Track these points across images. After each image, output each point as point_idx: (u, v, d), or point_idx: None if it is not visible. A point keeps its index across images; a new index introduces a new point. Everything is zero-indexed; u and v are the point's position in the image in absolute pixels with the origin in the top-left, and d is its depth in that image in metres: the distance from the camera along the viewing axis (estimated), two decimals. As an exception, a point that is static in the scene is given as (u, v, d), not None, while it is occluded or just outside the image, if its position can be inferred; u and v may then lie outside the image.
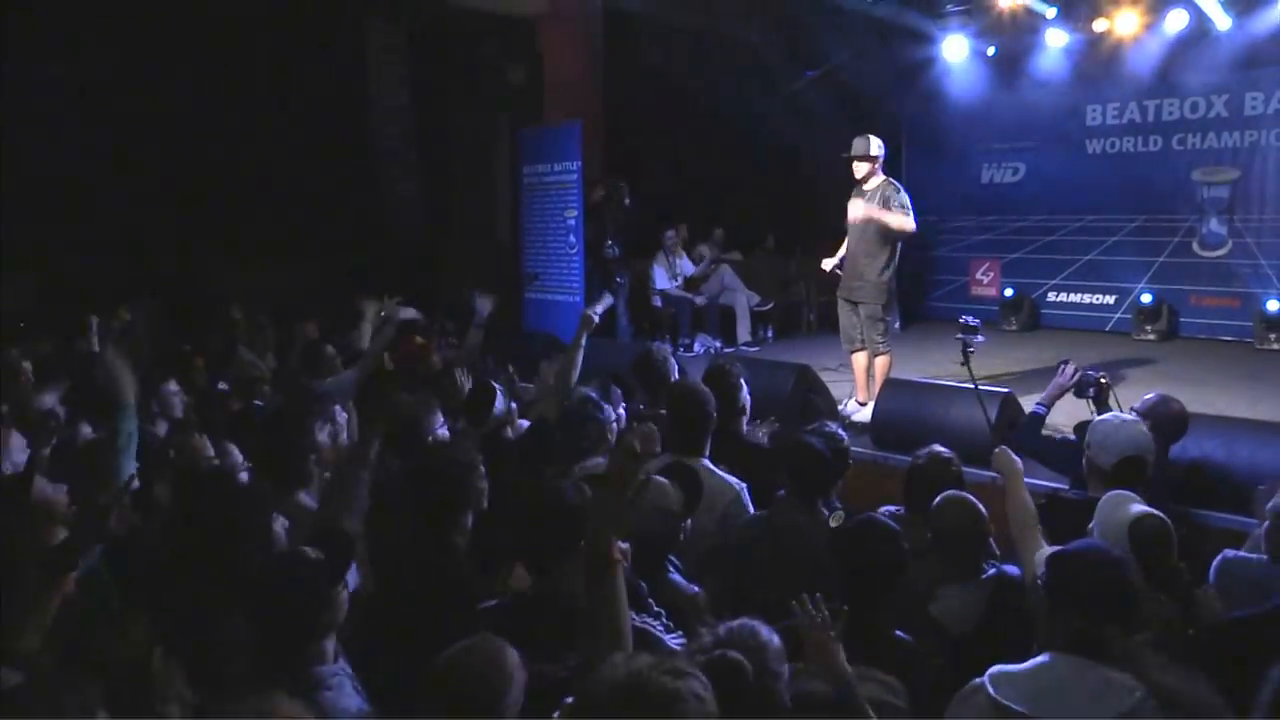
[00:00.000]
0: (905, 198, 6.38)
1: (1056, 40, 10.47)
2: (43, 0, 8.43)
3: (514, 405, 4.53)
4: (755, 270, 10.65)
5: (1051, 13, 9.72)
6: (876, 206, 6.37)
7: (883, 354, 6.45)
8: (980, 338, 5.18)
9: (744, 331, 9.68)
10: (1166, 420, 4.09)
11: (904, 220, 6.32)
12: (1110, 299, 10.88)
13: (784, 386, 6.15)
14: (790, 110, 11.72)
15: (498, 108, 9.59)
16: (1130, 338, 10.28)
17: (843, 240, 6.76)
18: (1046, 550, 2.66)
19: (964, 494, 3.12)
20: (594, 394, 3.76)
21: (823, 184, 12.43)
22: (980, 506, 3.06)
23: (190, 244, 10.80)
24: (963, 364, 5.05)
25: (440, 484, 2.95)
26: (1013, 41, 10.54)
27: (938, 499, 3.10)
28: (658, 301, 9.46)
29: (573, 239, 8.28)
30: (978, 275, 11.93)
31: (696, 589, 2.93)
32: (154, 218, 10.79)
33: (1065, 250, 11.15)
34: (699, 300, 9.67)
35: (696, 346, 9.38)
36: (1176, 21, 9.60)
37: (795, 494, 3.38)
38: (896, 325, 11.30)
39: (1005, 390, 5.55)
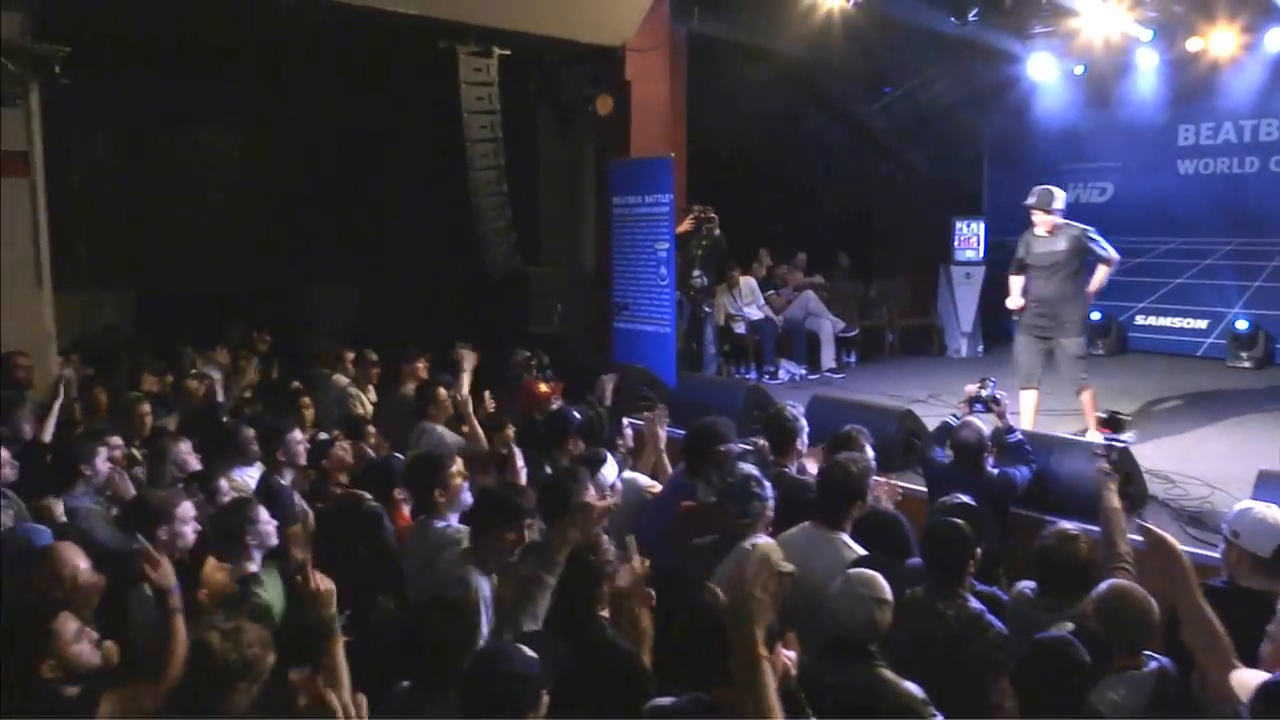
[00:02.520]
0: (1099, 237, 6.69)
1: (1148, 60, 10.26)
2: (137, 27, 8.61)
3: (617, 483, 4.53)
4: (836, 294, 10.61)
5: (1148, 35, 9.52)
6: (1069, 250, 6.60)
7: (1087, 387, 6.72)
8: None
9: (828, 358, 9.64)
10: (966, 445, 4.79)
11: (1110, 255, 6.65)
12: (1202, 324, 10.64)
13: (888, 431, 6.12)
14: (869, 130, 11.66)
15: (585, 137, 9.66)
16: (1224, 364, 10.05)
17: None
18: (1250, 674, 2.61)
19: (1132, 584, 3.09)
20: (756, 471, 3.77)
21: (899, 205, 12.40)
22: (1150, 598, 3.02)
23: (282, 268, 11.08)
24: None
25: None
26: (1102, 61, 10.34)
27: (1104, 586, 3.07)
28: (742, 329, 9.45)
29: (664, 270, 8.31)
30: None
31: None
32: (248, 240, 11.09)
33: (1155, 273, 10.93)
34: (777, 325, 9.65)
35: (782, 374, 9.36)
36: (1277, 41, 9.35)
37: (936, 578, 3.36)
38: (980, 349, 11.21)
39: (1123, 443, 5.45)
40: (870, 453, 4.28)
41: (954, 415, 5.34)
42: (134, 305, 10.82)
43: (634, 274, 8.61)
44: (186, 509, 3.74)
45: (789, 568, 3.51)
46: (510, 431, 5.72)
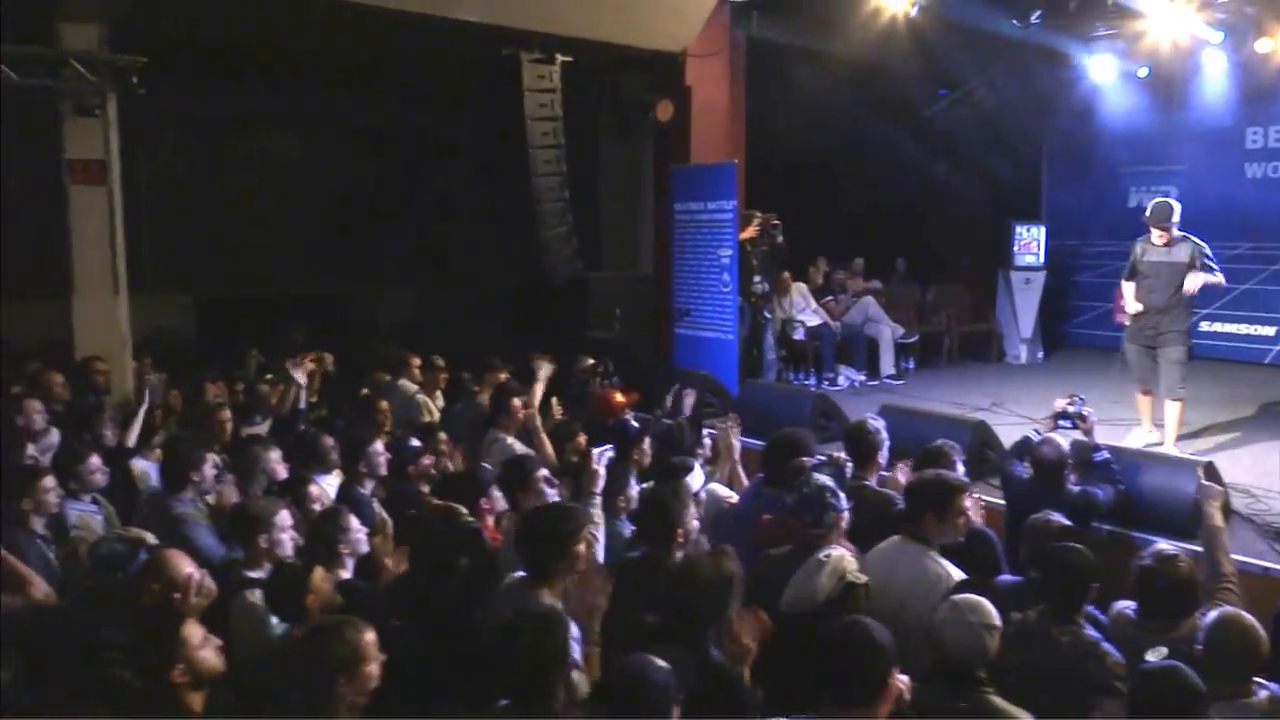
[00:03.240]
0: (1212, 261, 6.73)
1: (1215, 62, 10.07)
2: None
3: (702, 493, 4.51)
4: (892, 300, 10.52)
5: (1218, 37, 9.34)
6: (1185, 263, 6.62)
7: (1180, 399, 6.75)
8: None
9: (888, 364, 9.58)
10: (1046, 462, 4.76)
11: (1219, 278, 6.70)
12: (1269, 330, 10.44)
13: (960, 442, 6.00)
14: (925, 134, 11.56)
15: (644, 142, 9.68)
16: (1292, 372, 9.86)
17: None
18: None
19: (1239, 612, 3.04)
20: (831, 482, 3.75)
21: (956, 209, 12.28)
22: (1258, 625, 2.97)
23: (342, 272, 11.23)
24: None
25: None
26: (1168, 63, 10.16)
27: (1214, 616, 3.02)
28: (800, 335, 9.40)
29: (727, 277, 8.30)
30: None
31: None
32: (309, 244, 11.25)
33: (1221, 278, 10.72)
34: (836, 330, 9.58)
35: (841, 380, 9.31)
36: (1351, 42, 9.13)
37: (1054, 604, 3.33)
38: (1040, 355, 11.07)
39: (1204, 459, 5.36)
40: (961, 469, 4.24)
41: (1035, 430, 5.29)
42: (197, 308, 11.02)
43: (696, 280, 8.61)
44: (285, 517, 3.79)
45: (863, 579, 3.52)
46: (582, 440, 5.74)
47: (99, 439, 5.44)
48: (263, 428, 5.94)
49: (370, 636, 2.72)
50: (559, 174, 8.44)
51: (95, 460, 4.71)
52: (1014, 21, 9.67)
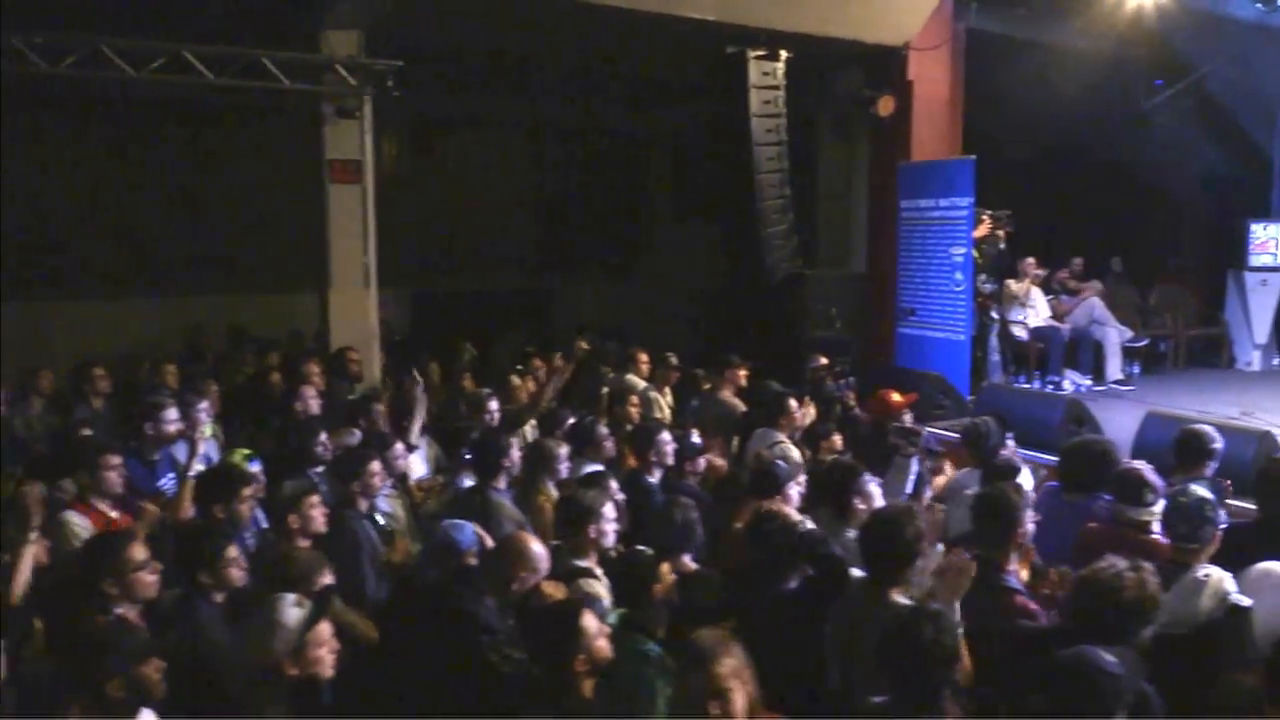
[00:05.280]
0: None
1: None
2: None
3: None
4: (1111, 301, 10.02)
5: None
6: None
7: None
8: None
9: (1114, 369, 9.10)
10: None
11: None
12: None
13: (1246, 453, 5.67)
14: (1147, 125, 10.99)
15: (861, 138, 9.54)
16: None
17: None
18: None
19: None
20: (1211, 495, 3.58)
21: (1178, 206, 11.62)
22: None
23: (550, 268, 11.49)
24: None
25: None
26: None
27: None
28: (1023, 335, 9.05)
29: (960, 275, 8.08)
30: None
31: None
32: (512, 240, 11.56)
33: None
34: (1065, 333, 9.17)
35: (1066, 384, 8.91)
36: None
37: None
38: (1275, 361, 10.36)
39: None
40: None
41: None
42: (408, 302, 11.46)
43: (924, 279, 8.42)
44: (610, 509, 3.87)
45: (1246, 601, 3.32)
46: (837, 440, 5.68)
47: (375, 430, 5.65)
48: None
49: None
50: (780, 170, 8.41)
51: (400, 448, 4.94)
52: (1257, 4, 9.10)
